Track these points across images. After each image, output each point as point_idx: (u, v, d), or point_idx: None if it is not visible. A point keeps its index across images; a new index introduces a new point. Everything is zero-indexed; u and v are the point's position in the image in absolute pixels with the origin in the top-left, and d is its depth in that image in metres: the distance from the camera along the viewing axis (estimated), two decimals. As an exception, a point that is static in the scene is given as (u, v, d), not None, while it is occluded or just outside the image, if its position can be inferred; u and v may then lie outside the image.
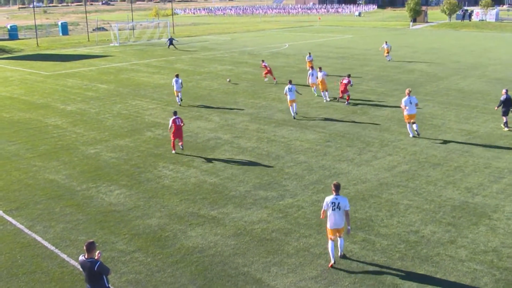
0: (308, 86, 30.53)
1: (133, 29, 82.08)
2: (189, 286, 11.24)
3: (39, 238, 13.52)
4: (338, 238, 11.98)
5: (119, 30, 69.46)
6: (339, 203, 11.63)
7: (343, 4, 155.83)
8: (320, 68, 29.70)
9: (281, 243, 12.99)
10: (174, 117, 20.31)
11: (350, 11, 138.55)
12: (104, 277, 9.28)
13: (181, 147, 20.52)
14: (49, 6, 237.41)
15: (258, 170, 18.19)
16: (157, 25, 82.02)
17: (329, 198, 11.79)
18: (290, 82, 25.55)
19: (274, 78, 35.02)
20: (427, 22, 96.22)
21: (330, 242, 11.91)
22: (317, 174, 17.61)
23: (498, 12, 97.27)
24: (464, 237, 13.10)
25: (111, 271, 10.42)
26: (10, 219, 14.74)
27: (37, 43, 65.98)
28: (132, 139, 22.42)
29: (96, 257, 9.23)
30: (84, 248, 9.27)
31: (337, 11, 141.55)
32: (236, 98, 30.36)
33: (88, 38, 71.10)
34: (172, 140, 20.39)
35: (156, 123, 24.97)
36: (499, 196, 15.55)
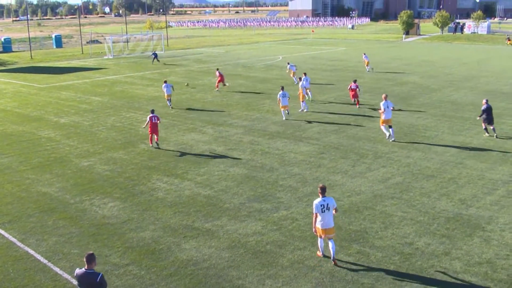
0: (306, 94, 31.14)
1: (127, 41, 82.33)
2: (183, 300, 11.17)
3: (31, 252, 13.40)
4: (329, 241, 12.40)
5: (113, 42, 69.62)
6: (327, 204, 12.22)
7: (336, 17, 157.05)
8: (304, 75, 31.25)
9: (276, 256, 12.95)
10: (151, 114, 22.28)
11: (344, 24, 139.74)
12: None
13: (156, 143, 22.57)
14: (43, 19, 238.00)
15: (253, 183, 18.18)
16: (151, 37, 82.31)
17: (317, 201, 12.22)
18: (283, 88, 27.24)
19: (217, 86, 37.32)
20: (419, 34, 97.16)
21: (320, 239, 12.63)
22: (311, 186, 17.61)
23: (489, 25, 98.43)
24: (459, 248, 13.11)
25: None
26: (2, 232, 14.61)
27: (31, 56, 66.02)
28: (126, 152, 22.37)
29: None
30: (84, 259, 9.17)
31: (331, 24, 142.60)
32: (230, 110, 30.41)
33: (82, 51, 71.22)
34: (150, 136, 22.69)
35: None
36: (493, 208, 15.59)
